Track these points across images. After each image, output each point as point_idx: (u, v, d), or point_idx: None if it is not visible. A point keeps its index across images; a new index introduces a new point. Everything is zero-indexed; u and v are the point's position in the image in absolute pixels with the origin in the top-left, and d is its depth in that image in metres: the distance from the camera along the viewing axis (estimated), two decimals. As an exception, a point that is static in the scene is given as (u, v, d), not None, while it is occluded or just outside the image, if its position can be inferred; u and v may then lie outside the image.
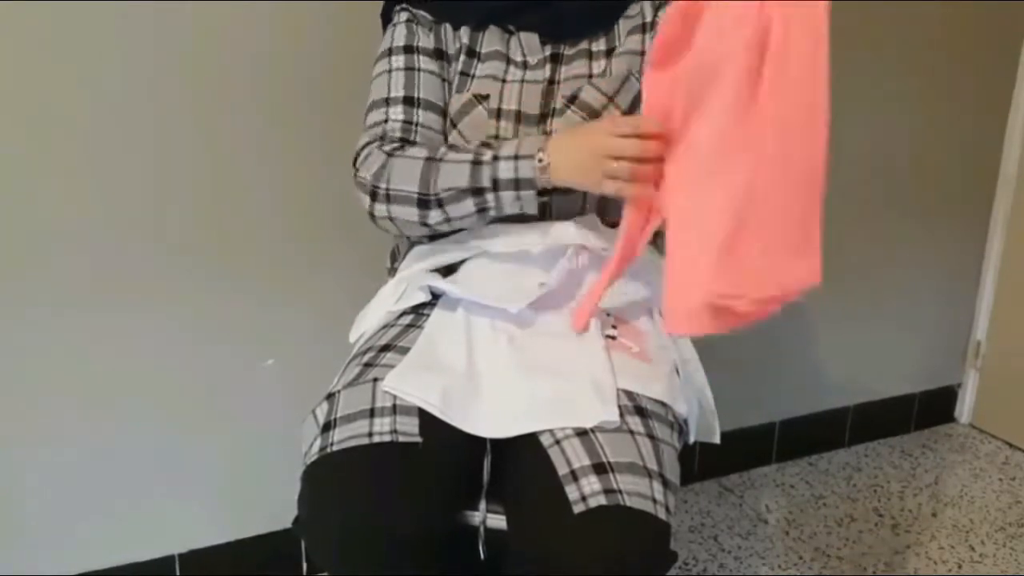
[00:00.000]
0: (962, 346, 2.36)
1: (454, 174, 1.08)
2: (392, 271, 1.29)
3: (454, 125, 1.16)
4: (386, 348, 1.12)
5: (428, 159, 1.09)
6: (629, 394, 1.05)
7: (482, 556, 1.04)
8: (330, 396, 1.07)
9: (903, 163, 2.12)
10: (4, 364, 1.42)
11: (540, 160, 1.04)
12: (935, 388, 2.35)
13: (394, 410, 1.01)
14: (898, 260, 2.18)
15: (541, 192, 1.07)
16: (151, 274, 1.48)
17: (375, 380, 1.05)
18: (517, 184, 1.06)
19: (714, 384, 1.21)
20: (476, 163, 1.07)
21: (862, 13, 1.92)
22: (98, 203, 1.42)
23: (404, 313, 1.18)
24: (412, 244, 1.24)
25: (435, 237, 1.21)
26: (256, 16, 1.43)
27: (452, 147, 1.12)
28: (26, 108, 1.35)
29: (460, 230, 1.17)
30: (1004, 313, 2.29)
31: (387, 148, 1.13)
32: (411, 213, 1.11)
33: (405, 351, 1.09)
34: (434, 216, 1.11)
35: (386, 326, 1.18)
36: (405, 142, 1.15)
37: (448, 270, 1.19)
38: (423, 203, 1.10)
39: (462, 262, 1.18)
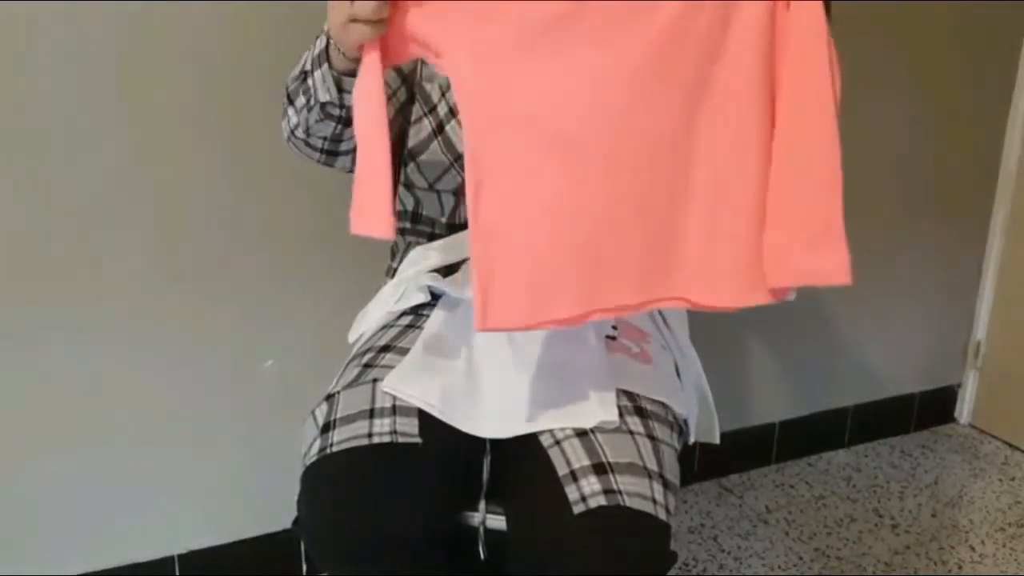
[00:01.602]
0: (962, 346, 2.36)
1: (300, 62, 1.06)
2: (391, 270, 1.29)
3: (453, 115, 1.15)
4: (385, 349, 1.12)
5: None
6: (629, 394, 1.05)
7: (482, 557, 1.04)
8: (329, 397, 1.07)
9: (903, 163, 2.12)
10: (4, 367, 1.42)
11: (326, 30, 0.97)
12: (935, 388, 2.35)
13: (394, 411, 1.01)
14: (898, 260, 2.18)
15: (343, 75, 0.98)
16: (150, 275, 1.48)
17: (375, 381, 1.05)
18: (318, 60, 1.01)
19: (714, 384, 1.21)
20: (308, 49, 1.04)
21: (862, 13, 1.92)
22: (96, 208, 1.42)
23: (404, 314, 1.18)
24: (412, 244, 1.24)
25: (433, 237, 1.21)
26: (241, 19, 1.43)
27: None
28: (19, 119, 1.35)
29: (460, 228, 1.17)
30: (1004, 313, 2.28)
31: None
32: (284, 123, 1.11)
33: (405, 352, 1.09)
34: (292, 115, 1.09)
35: (385, 327, 1.18)
36: None
37: (448, 270, 1.19)
38: (288, 98, 1.09)
39: (462, 262, 1.18)
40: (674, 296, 0.94)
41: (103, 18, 1.35)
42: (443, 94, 1.15)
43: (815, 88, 0.90)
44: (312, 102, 1.04)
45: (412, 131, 1.17)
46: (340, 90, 1.00)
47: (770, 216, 0.93)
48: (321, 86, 1.01)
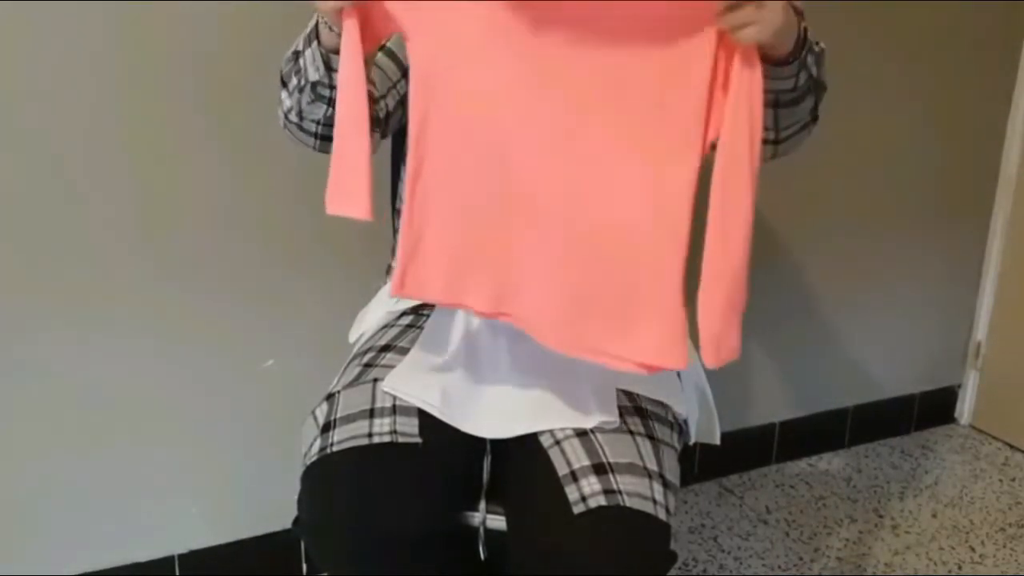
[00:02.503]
0: (962, 347, 2.36)
1: (294, 43, 1.05)
2: (391, 269, 1.29)
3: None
4: (386, 348, 1.12)
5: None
6: (629, 395, 1.05)
7: (482, 557, 1.04)
8: (330, 397, 1.07)
9: (903, 164, 2.12)
10: (3, 366, 1.42)
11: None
12: (935, 389, 2.35)
13: (394, 411, 1.01)
14: (898, 261, 2.18)
15: (331, 52, 0.98)
16: (150, 275, 1.48)
17: (375, 380, 1.05)
18: (309, 38, 1.01)
19: (714, 385, 1.21)
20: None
21: (861, 14, 1.92)
22: (96, 208, 1.42)
23: (404, 313, 1.18)
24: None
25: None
26: (241, 19, 1.43)
27: None
28: (10, 117, 1.35)
29: None
30: (1004, 314, 2.28)
31: None
32: (279, 108, 1.10)
33: (405, 351, 1.09)
34: (284, 98, 1.08)
35: (386, 326, 1.18)
36: None
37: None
38: (282, 82, 1.08)
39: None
40: (587, 346, 0.94)
41: (94, 14, 1.35)
42: None
43: (742, 186, 0.90)
44: (303, 82, 1.03)
45: None
46: (329, 68, 0.99)
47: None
48: (311, 65, 1.01)
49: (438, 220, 0.95)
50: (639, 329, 0.91)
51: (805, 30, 0.89)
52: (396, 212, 1.27)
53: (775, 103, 0.96)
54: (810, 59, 0.92)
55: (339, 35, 0.93)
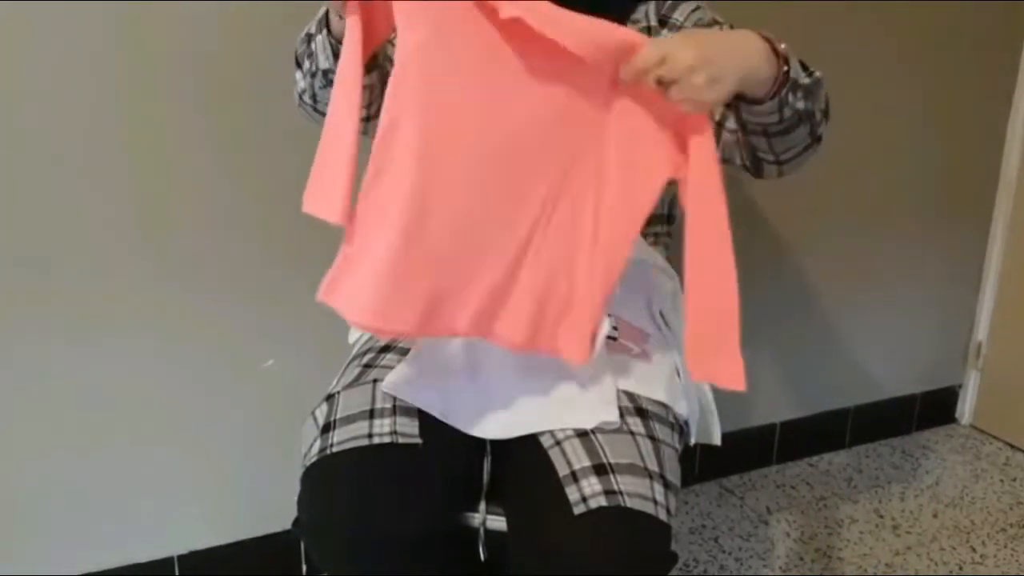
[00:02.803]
0: (963, 347, 2.36)
1: (306, 26, 1.05)
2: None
3: None
4: (386, 349, 1.12)
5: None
6: (630, 395, 1.05)
7: (482, 557, 1.04)
8: (330, 397, 1.06)
9: (903, 164, 2.12)
10: (3, 366, 1.42)
11: None
12: (936, 389, 2.35)
13: (394, 411, 1.01)
14: (899, 261, 2.18)
15: (340, 42, 0.96)
16: (150, 275, 1.47)
17: (375, 381, 1.05)
18: (319, 24, 1.01)
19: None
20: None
21: (862, 14, 1.92)
22: (96, 209, 1.42)
23: (404, 314, 1.18)
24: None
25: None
26: (242, 19, 1.43)
27: None
28: (12, 117, 1.35)
29: None
30: (1005, 314, 2.28)
31: None
32: (294, 87, 1.10)
33: (405, 352, 1.09)
34: (300, 83, 1.08)
35: (386, 327, 1.17)
36: None
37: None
38: (297, 62, 1.08)
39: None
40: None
41: (94, 14, 1.34)
42: None
43: (714, 219, 0.91)
44: (315, 68, 1.03)
45: None
46: (338, 57, 0.97)
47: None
48: (322, 52, 1.00)
49: (381, 230, 0.93)
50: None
51: (786, 72, 0.91)
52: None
53: (764, 132, 0.98)
54: (792, 96, 0.93)
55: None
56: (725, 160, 1.11)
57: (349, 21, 0.91)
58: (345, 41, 0.92)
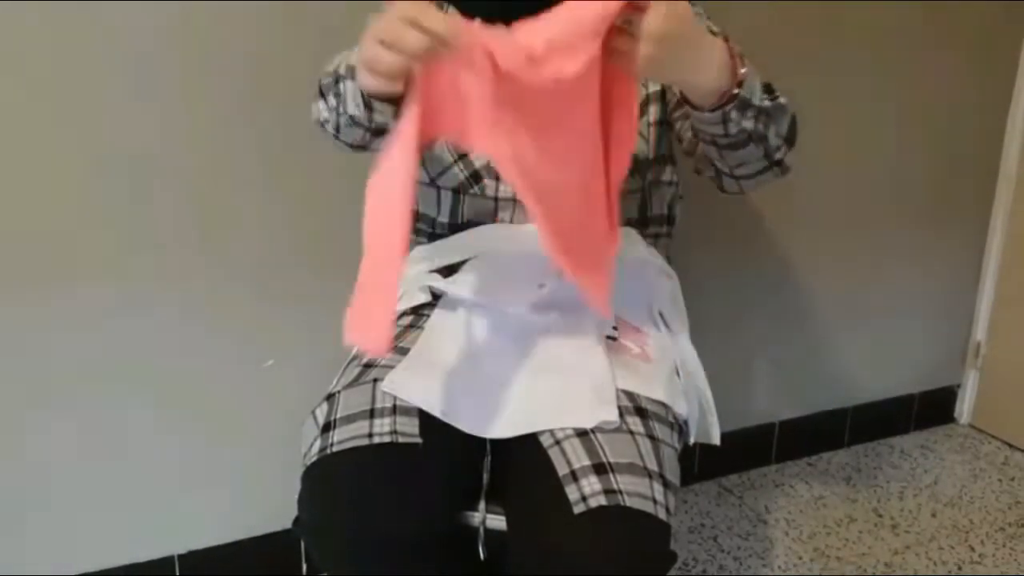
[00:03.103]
0: (962, 346, 2.36)
1: (335, 61, 1.05)
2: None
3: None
4: (386, 348, 1.11)
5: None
6: (629, 394, 1.05)
7: (482, 557, 1.04)
8: (330, 397, 1.07)
9: (903, 163, 2.12)
10: (3, 366, 1.42)
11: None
12: (935, 388, 2.35)
13: (394, 411, 1.01)
14: (898, 260, 2.18)
15: (372, 97, 0.95)
16: (150, 275, 1.48)
17: (375, 381, 1.05)
18: (351, 71, 0.98)
19: (714, 385, 1.21)
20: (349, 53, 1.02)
21: (862, 14, 1.92)
22: (97, 208, 1.42)
23: (404, 313, 1.18)
24: (413, 245, 1.24)
25: (434, 236, 1.21)
26: (250, 14, 1.43)
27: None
28: (22, 105, 1.35)
29: (461, 229, 1.17)
30: (1004, 313, 2.29)
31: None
32: (314, 108, 1.09)
33: (405, 351, 1.09)
34: (323, 113, 1.07)
35: (386, 326, 1.17)
36: None
37: (449, 271, 1.19)
38: (320, 92, 1.08)
39: (463, 262, 1.18)
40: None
41: (140, 15, 1.36)
42: None
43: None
44: (342, 110, 1.02)
45: None
46: (369, 109, 0.97)
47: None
48: (351, 99, 0.99)
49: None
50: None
51: (734, 96, 0.93)
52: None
53: (713, 143, 1.01)
54: (739, 114, 0.95)
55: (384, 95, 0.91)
56: (698, 171, 1.13)
57: (406, 113, 0.84)
58: (397, 138, 0.84)
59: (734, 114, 0.95)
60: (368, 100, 0.96)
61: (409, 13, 0.79)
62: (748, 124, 0.97)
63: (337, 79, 1.02)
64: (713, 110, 0.94)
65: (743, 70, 0.93)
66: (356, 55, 0.91)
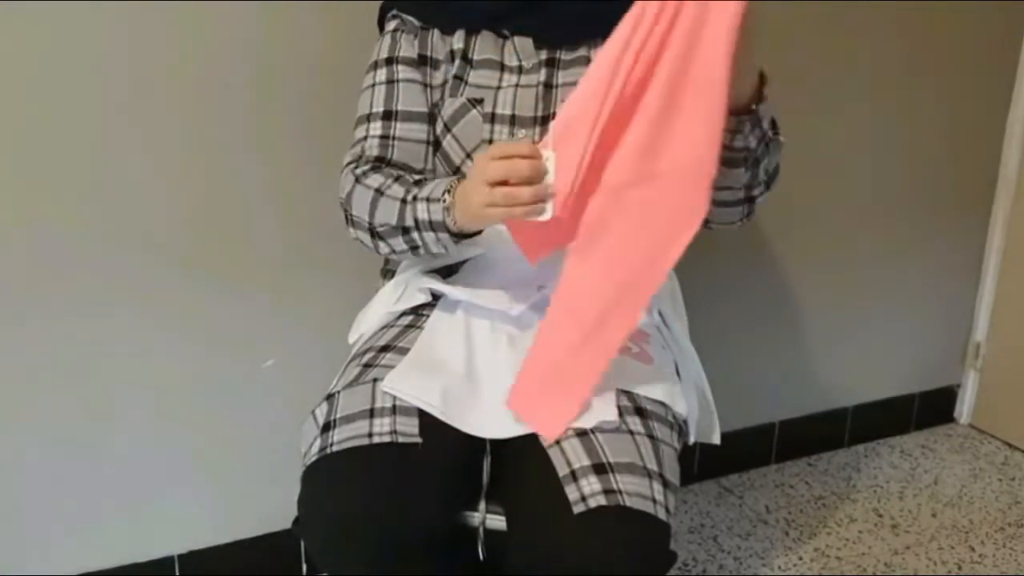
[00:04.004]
0: (962, 346, 2.36)
1: (388, 211, 1.08)
2: (386, 272, 1.29)
3: (448, 129, 1.15)
4: (385, 349, 1.12)
5: (376, 191, 1.10)
6: (629, 394, 1.05)
7: (481, 557, 1.04)
8: (330, 397, 1.07)
9: (903, 163, 2.12)
10: (3, 366, 1.42)
11: (444, 202, 1.03)
12: (935, 388, 2.35)
13: (394, 411, 1.01)
14: (898, 260, 2.18)
15: (459, 234, 1.05)
16: (150, 276, 1.47)
17: (375, 381, 1.05)
18: (431, 226, 1.05)
19: (714, 385, 1.21)
20: (403, 201, 1.07)
21: (861, 13, 1.92)
22: (97, 207, 1.42)
23: (404, 314, 1.19)
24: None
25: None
26: (250, 17, 1.43)
27: (399, 178, 1.11)
28: (22, 111, 1.35)
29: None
30: (1004, 313, 2.28)
31: (358, 171, 1.14)
32: (367, 240, 1.13)
33: (405, 352, 1.09)
34: (382, 247, 1.12)
35: (385, 327, 1.18)
36: (381, 160, 1.15)
37: (448, 271, 1.19)
38: (372, 233, 1.12)
39: (462, 263, 1.18)
40: None
41: (142, 17, 1.36)
42: (446, 124, 1.16)
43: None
44: (423, 251, 1.09)
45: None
46: (459, 241, 1.06)
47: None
48: (434, 244, 1.06)
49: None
50: None
51: (752, 110, 0.98)
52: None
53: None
54: (749, 129, 0.99)
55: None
56: None
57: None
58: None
59: (746, 127, 0.98)
60: (458, 240, 1.06)
61: (509, 171, 0.94)
62: (752, 143, 1.00)
63: (404, 230, 1.07)
64: (733, 114, 0.96)
65: (766, 90, 0.98)
66: (427, 213, 1.04)
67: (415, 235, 1.07)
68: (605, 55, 0.94)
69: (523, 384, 1.03)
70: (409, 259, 1.14)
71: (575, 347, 1.00)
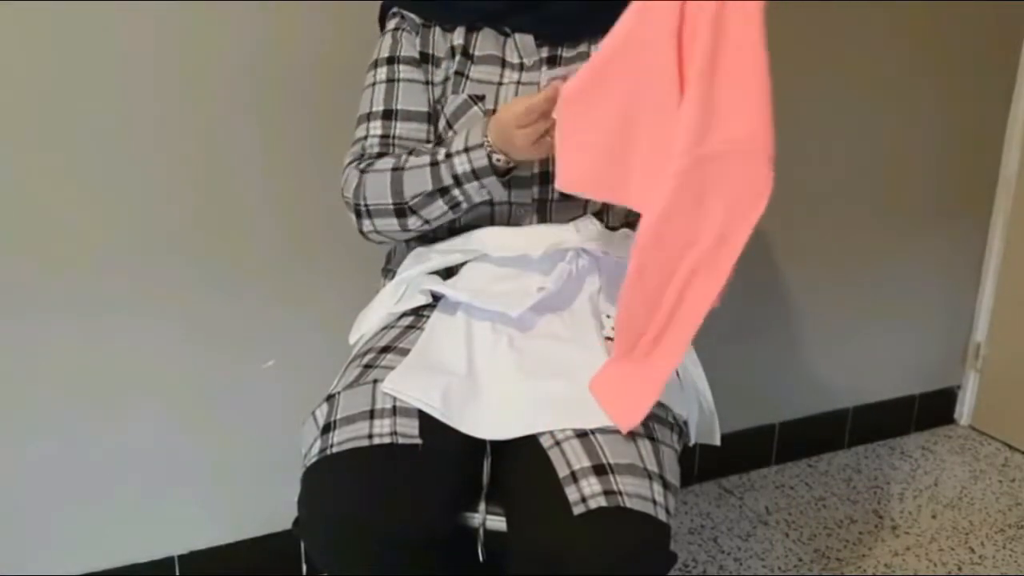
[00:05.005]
0: (962, 348, 2.36)
1: (418, 179, 1.10)
2: (387, 272, 1.29)
3: (450, 126, 1.16)
4: (386, 349, 1.12)
5: (393, 169, 1.12)
6: (629, 396, 1.05)
7: (481, 558, 1.04)
8: (330, 398, 1.07)
9: (903, 164, 2.12)
10: (4, 365, 1.42)
11: (488, 146, 1.06)
12: (935, 390, 2.35)
13: (394, 412, 1.01)
14: (898, 261, 2.18)
15: (504, 173, 1.09)
16: (151, 276, 1.48)
17: (375, 382, 1.05)
18: (476, 174, 1.08)
19: (714, 386, 1.21)
20: (434, 164, 1.09)
21: (861, 13, 1.92)
22: (98, 205, 1.42)
23: (404, 315, 1.18)
24: (411, 246, 1.24)
25: (435, 239, 1.21)
26: (253, 17, 1.43)
27: (412, 152, 1.13)
28: (27, 110, 1.35)
29: (460, 231, 1.18)
30: (1004, 315, 2.28)
31: (362, 166, 1.15)
32: (392, 224, 1.14)
33: (405, 352, 1.09)
34: (412, 222, 1.13)
35: (386, 327, 1.18)
36: (382, 157, 1.15)
37: (448, 272, 1.19)
38: (400, 212, 1.12)
39: (462, 264, 1.18)
40: None
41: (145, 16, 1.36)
42: (448, 121, 1.16)
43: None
44: (465, 205, 1.12)
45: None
46: (507, 180, 1.10)
47: None
48: (477, 193, 1.10)
49: None
50: None
51: None
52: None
53: None
54: None
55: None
56: None
57: None
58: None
59: None
60: (503, 181, 1.09)
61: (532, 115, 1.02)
62: None
63: (444, 190, 1.10)
64: None
65: None
66: (463, 165, 1.08)
67: (455, 192, 1.09)
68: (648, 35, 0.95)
69: (608, 371, 1.03)
70: (444, 222, 1.15)
71: (652, 337, 1.00)
